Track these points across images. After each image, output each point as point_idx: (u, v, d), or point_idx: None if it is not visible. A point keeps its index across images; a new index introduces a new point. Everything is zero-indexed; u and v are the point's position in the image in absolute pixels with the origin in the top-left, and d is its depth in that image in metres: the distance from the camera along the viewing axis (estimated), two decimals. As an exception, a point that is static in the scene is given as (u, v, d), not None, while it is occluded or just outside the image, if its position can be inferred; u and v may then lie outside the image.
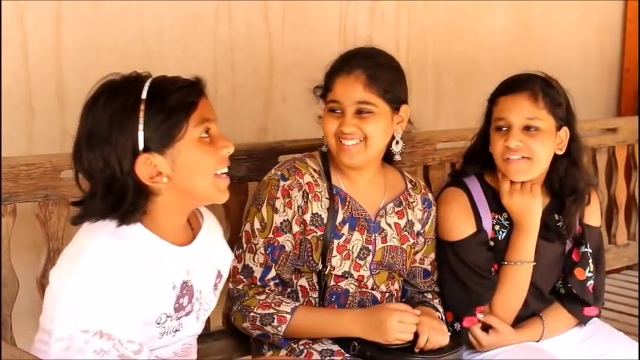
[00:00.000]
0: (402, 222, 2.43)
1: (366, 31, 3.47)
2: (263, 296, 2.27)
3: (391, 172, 2.48)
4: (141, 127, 1.76)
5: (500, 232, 2.53)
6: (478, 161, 2.58)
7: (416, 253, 2.49)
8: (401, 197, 2.46)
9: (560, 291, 2.62)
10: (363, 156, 2.29)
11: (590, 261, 2.59)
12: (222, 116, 3.06)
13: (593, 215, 2.64)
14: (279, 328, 2.23)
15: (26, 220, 2.31)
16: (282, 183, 2.28)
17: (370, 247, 2.37)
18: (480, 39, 3.94)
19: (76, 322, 1.72)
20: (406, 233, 2.44)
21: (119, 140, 1.75)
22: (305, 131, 2.73)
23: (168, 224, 1.88)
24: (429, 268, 2.53)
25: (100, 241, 1.77)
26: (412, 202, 2.48)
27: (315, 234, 2.31)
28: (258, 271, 2.29)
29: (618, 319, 3.20)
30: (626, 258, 3.82)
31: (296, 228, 2.29)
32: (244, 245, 2.32)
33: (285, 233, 2.29)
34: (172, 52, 2.99)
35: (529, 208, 2.45)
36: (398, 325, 2.18)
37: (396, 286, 2.45)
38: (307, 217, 2.29)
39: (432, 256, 2.54)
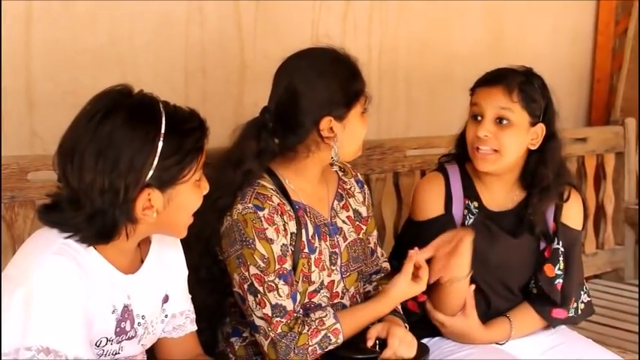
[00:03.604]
0: (350, 213, 2.45)
1: (338, 38, 3.47)
2: (306, 327, 2.19)
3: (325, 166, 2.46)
4: (156, 161, 1.75)
5: (468, 218, 2.56)
6: (462, 148, 2.61)
7: (367, 236, 2.51)
8: (339, 190, 2.46)
9: (533, 290, 2.60)
10: None
11: (561, 259, 2.58)
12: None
13: (571, 215, 2.62)
14: (338, 340, 2.22)
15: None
16: (260, 213, 2.19)
17: (337, 250, 2.37)
18: (451, 49, 3.96)
19: (21, 338, 1.69)
20: (358, 222, 2.45)
21: (133, 169, 1.73)
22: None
23: (123, 247, 1.87)
24: (372, 246, 2.55)
25: (45, 258, 1.73)
26: (349, 189, 2.49)
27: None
28: (289, 304, 2.19)
29: (587, 328, 3.20)
30: (594, 267, 3.86)
31: (290, 250, 2.24)
32: (260, 289, 2.18)
33: (287, 257, 2.22)
34: (144, 57, 2.99)
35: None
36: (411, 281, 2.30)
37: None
38: (287, 238, 2.25)
39: (375, 233, 2.57)
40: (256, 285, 2.18)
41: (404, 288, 2.30)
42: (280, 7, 3.33)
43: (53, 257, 1.73)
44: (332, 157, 2.28)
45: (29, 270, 1.72)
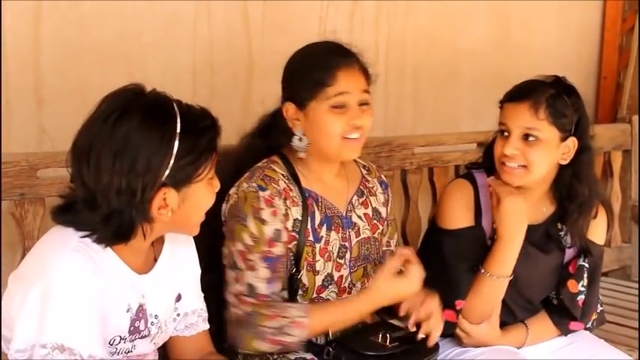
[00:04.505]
0: (369, 211, 2.45)
1: (345, 34, 3.45)
2: (269, 310, 2.15)
3: (347, 162, 2.44)
4: (172, 161, 1.76)
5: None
6: (490, 159, 2.53)
7: (382, 237, 2.51)
8: (361, 186, 2.46)
9: (553, 301, 2.60)
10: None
11: (585, 275, 2.55)
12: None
13: (597, 232, 2.60)
14: (302, 335, 2.16)
15: (1, 219, 2.30)
16: (261, 194, 2.21)
17: (347, 244, 2.37)
18: (458, 45, 3.96)
19: (36, 334, 1.70)
20: (375, 221, 2.45)
21: (150, 169, 1.74)
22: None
23: (137, 246, 1.87)
24: (394, 249, 2.53)
25: (62, 255, 1.74)
26: (372, 188, 2.49)
27: (296, 240, 2.28)
28: (263, 288, 2.18)
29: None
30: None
31: (285, 236, 2.24)
32: (241, 265, 2.19)
33: (278, 242, 2.22)
34: (152, 54, 2.99)
35: (517, 222, 2.39)
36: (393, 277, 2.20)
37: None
38: (289, 224, 2.26)
39: (396, 237, 2.57)
40: (238, 261, 2.20)
41: (383, 283, 2.19)
42: (288, 4, 3.33)
43: (70, 254, 1.74)
44: (292, 144, 2.28)
45: (46, 267, 1.73)
